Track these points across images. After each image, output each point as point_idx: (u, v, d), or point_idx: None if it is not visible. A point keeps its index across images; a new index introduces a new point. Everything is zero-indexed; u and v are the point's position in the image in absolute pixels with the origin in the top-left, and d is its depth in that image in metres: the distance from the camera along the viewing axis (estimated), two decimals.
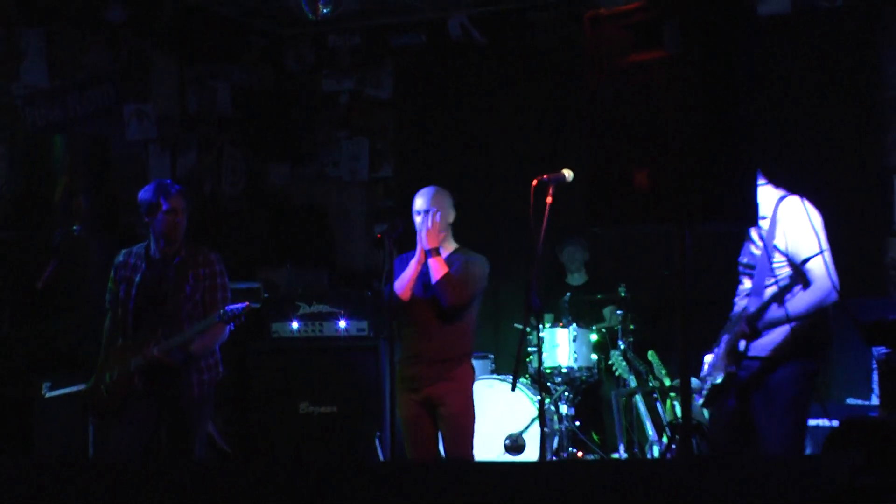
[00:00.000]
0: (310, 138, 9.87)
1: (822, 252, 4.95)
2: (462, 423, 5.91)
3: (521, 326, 6.26)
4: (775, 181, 5.10)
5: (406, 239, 5.92)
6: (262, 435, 7.49)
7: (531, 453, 7.28)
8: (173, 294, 5.90)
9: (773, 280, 5.06)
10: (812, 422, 6.69)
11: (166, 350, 5.77)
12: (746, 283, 5.18)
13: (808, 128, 8.01)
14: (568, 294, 8.13)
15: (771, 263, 5.05)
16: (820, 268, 4.95)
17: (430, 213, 5.86)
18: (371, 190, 9.72)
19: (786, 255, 5.03)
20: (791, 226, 4.97)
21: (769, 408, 5.08)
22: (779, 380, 5.08)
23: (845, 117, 7.97)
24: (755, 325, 5.02)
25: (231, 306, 5.73)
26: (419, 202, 5.92)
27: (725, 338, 5.23)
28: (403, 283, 5.87)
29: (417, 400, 5.86)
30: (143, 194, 5.98)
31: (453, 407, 5.87)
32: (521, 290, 7.61)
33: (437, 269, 5.79)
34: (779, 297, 4.97)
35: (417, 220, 5.92)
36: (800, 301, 4.99)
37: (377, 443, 7.22)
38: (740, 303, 5.23)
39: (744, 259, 5.22)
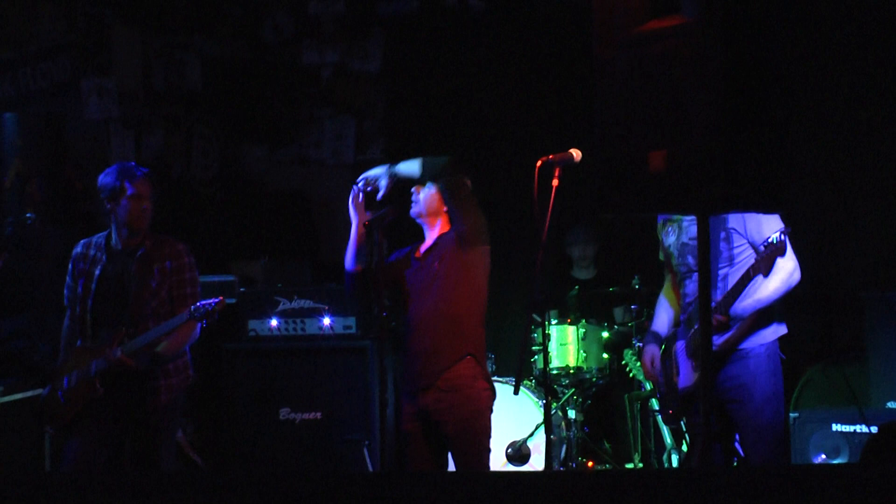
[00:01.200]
0: (289, 117, 9.87)
1: (782, 230, 5.05)
2: (469, 446, 5.66)
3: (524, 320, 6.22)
4: None
5: (397, 228, 5.91)
6: (238, 444, 7.50)
7: (536, 463, 7.30)
8: (137, 289, 5.90)
9: (729, 267, 5.25)
10: (849, 427, 6.74)
11: (131, 352, 5.78)
12: None
13: (852, 104, 7.97)
14: (576, 287, 8.15)
15: (730, 250, 5.24)
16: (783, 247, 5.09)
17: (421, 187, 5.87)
18: (357, 173, 9.70)
19: (745, 237, 5.22)
20: None
21: (746, 400, 5.26)
22: (752, 369, 5.27)
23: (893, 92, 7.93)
24: (727, 312, 5.15)
25: (202, 302, 5.74)
26: None
27: (681, 343, 5.35)
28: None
29: (413, 411, 5.78)
30: (105, 178, 5.98)
31: (456, 426, 5.65)
32: (524, 283, 7.65)
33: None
34: (745, 282, 5.10)
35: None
36: (769, 285, 5.15)
37: (365, 452, 7.23)
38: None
39: (688, 258, 5.37)
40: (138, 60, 9.05)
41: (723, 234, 5.23)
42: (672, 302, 5.73)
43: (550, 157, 5.30)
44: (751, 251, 5.24)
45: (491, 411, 5.75)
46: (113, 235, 6.03)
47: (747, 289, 5.12)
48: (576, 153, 5.31)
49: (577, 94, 8.61)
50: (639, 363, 7.61)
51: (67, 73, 8.70)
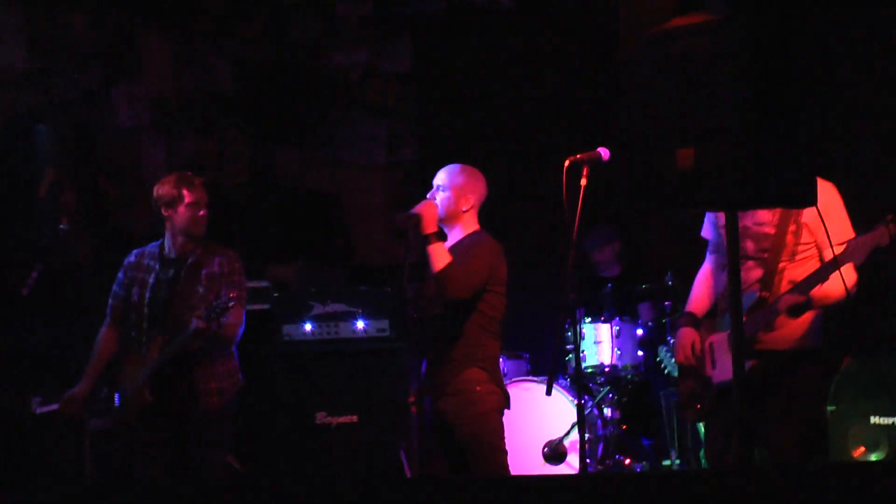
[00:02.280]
0: (320, 119, 9.88)
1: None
2: (480, 447, 5.63)
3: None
4: None
5: None
6: (276, 449, 7.53)
7: (573, 462, 7.30)
8: (185, 295, 6.05)
9: (789, 261, 5.10)
10: (889, 420, 6.70)
11: (169, 357, 5.92)
12: (755, 273, 5.16)
13: (883, 94, 7.90)
14: (609, 284, 8.15)
15: (795, 245, 5.10)
16: None
17: (435, 188, 5.78)
18: (390, 175, 9.74)
19: (815, 235, 5.08)
20: (826, 208, 4.88)
21: (784, 412, 5.09)
22: (802, 378, 5.12)
23: None
24: (807, 292, 4.98)
25: (214, 303, 5.85)
26: (436, 177, 5.85)
27: (721, 336, 5.24)
28: None
29: (432, 410, 5.80)
30: (162, 187, 6.13)
31: (464, 428, 5.63)
32: (556, 282, 7.65)
33: (437, 258, 5.54)
34: (830, 268, 4.95)
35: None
36: (842, 282, 4.96)
37: (402, 455, 7.25)
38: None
39: (746, 243, 5.17)
40: (168, 66, 9.10)
41: (793, 227, 5.09)
42: (710, 285, 5.55)
43: (578, 156, 5.29)
44: (815, 251, 5.12)
45: (500, 413, 5.71)
46: (167, 244, 6.19)
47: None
48: (604, 152, 5.30)
49: (606, 92, 8.60)
50: (674, 360, 7.58)
51: (98, 81, 8.75)
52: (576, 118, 8.85)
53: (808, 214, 5.06)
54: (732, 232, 4.00)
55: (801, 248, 5.12)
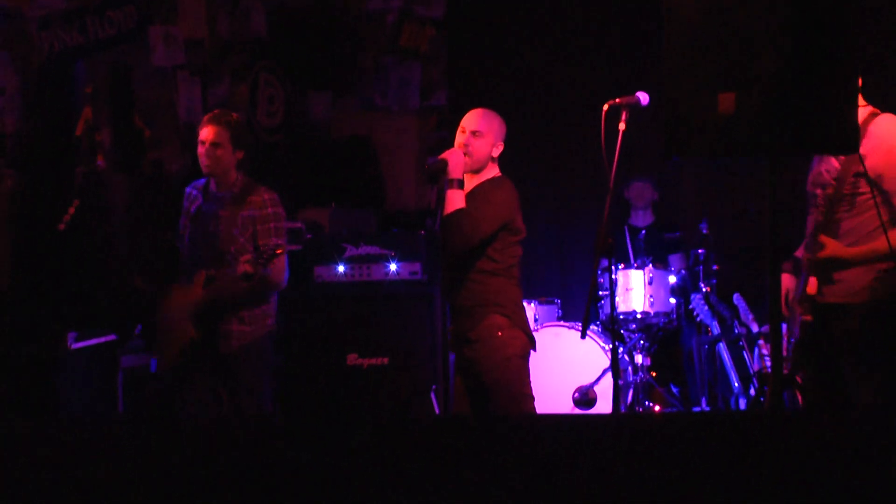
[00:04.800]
0: (354, 64, 9.86)
1: None
2: (504, 393, 5.57)
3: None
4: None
5: None
6: (307, 390, 7.56)
7: (603, 408, 7.31)
8: (222, 232, 6.09)
9: (847, 212, 4.88)
10: None
11: (215, 295, 5.99)
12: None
13: None
14: (643, 232, 8.12)
15: (853, 196, 4.85)
16: None
17: (470, 135, 5.63)
18: (423, 120, 9.71)
19: (873, 179, 4.76)
20: (891, 145, 4.78)
21: (858, 367, 4.90)
22: (870, 331, 4.88)
23: None
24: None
25: (263, 248, 5.89)
26: (465, 119, 5.71)
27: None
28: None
29: (459, 357, 5.78)
30: None
31: (488, 375, 5.58)
32: (590, 229, 7.63)
33: (451, 203, 5.51)
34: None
35: (458, 137, 5.70)
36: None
37: (433, 396, 7.26)
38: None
39: (816, 190, 5.00)
40: (203, 8, 9.07)
41: (851, 178, 4.83)
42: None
43: (617, 100, 5.23)
44: (872, 201, 4.76)
45: (523, 359, 5.64)
46: (213, 180, 6.23)
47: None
48: (643, 96, 5.25)
49: (644, 36, 8.52)
50: (706, 307, 7.56)
51: (134, 21, 8.72)
52: (613, 62, 8.76)
53: (873, 162, 4.75)
54: (774, 178, 3.96)
55: (859, 198, 4.85)
